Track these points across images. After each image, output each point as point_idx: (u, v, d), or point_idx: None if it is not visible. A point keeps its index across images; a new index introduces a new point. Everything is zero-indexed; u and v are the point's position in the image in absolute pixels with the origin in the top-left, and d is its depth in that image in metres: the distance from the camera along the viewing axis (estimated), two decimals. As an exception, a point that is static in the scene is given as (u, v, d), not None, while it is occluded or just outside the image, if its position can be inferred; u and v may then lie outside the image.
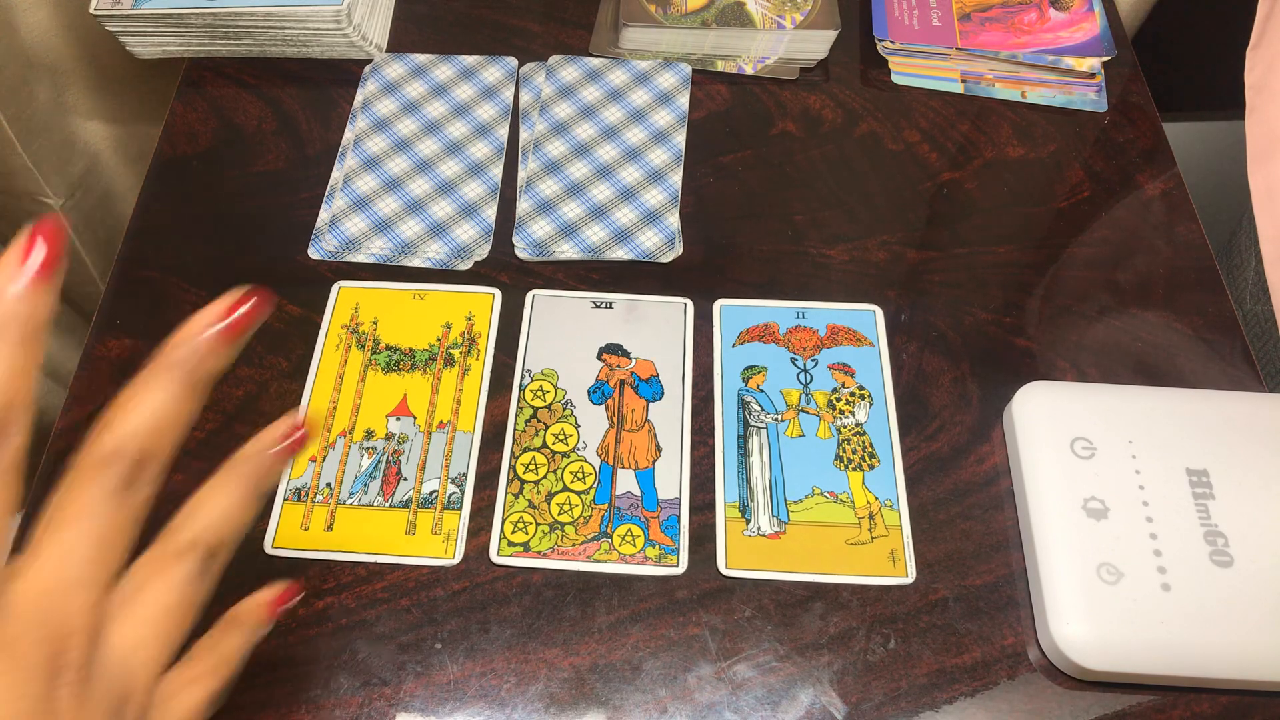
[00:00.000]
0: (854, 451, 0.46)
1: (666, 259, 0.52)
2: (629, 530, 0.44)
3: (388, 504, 0.44)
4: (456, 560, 0.43)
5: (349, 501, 0.44)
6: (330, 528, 0.44)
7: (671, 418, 0.47)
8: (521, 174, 0.55)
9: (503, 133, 0.57)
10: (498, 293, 0.51)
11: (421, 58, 0.60)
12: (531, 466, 0.45)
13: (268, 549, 0.43)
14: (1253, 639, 0.39)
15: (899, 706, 0.40)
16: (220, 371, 0.26)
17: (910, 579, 0.43)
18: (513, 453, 0.46)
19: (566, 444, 0.46)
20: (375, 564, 0.43)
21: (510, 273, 0.52)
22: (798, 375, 0.48)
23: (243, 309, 0.26)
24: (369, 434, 0.46)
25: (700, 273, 0.52)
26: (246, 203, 0.54)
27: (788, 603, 0.42)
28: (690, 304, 0.51)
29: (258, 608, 0.30)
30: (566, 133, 0.57)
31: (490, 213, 0.54)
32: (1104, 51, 0.60)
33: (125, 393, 0.25)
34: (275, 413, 0.46)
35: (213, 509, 0.27)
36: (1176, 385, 0.48)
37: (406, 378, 0.48)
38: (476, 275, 0.52)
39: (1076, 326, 0.50)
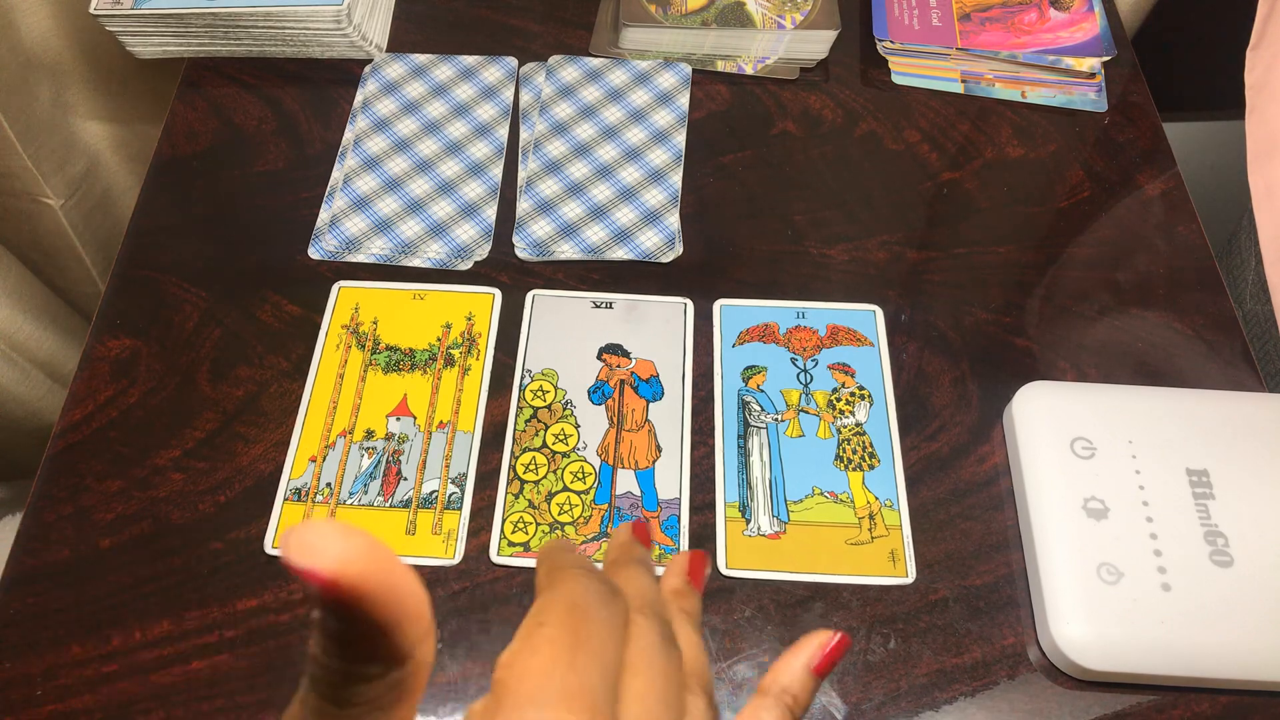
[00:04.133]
0: (854, 451, 0.46)
1: (666, 259, 0.52)
2: (629, 530, 0.44)
3: (388, 504, 0.44)
4: (457, 560, 0.43)
5: (349, 501, 0.44)
6: (330, 528, 0.43)
7: (671, 418, 0.47)
8: (521, 174, 0.55)
9: (503, 133, 0.57)
10: (498, 293, 0.51)
11: (421, 58, 0.60)
12: (531, 466, 0.45)
13: (268, 549, 0.43)
14: (1253, 639, 0.39)
15: (899, 706, 0.40)
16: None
17: (910, 579, 0.43)
18: (513, 453, 0.46)
19: (566, 444, 0.46)
20: (375, 564, 0.43)
21: (510, 273, 0.52)
22: (798, 375, 0.48)
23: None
24: (369, 434, 0.46)
25: (700, 273, 0.52)
26: (246, 203, 0.54)
27: (788, 603, 0.42)
28: (690, 304, 0.51)
29: (808, 675, 0.25)
30: (566, 133, 0.57)
31: (490, 213, 0.54)
32: (1104, 51, 0.60)
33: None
34: (275, 412, 0.46)
35: None
36: (1176, 385, 0.48)
37: (406, 378, 0.48)
38: (476, 275, 0.52)
39: (1076, 326, 0.50)
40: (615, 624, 0.20)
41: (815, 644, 0.25)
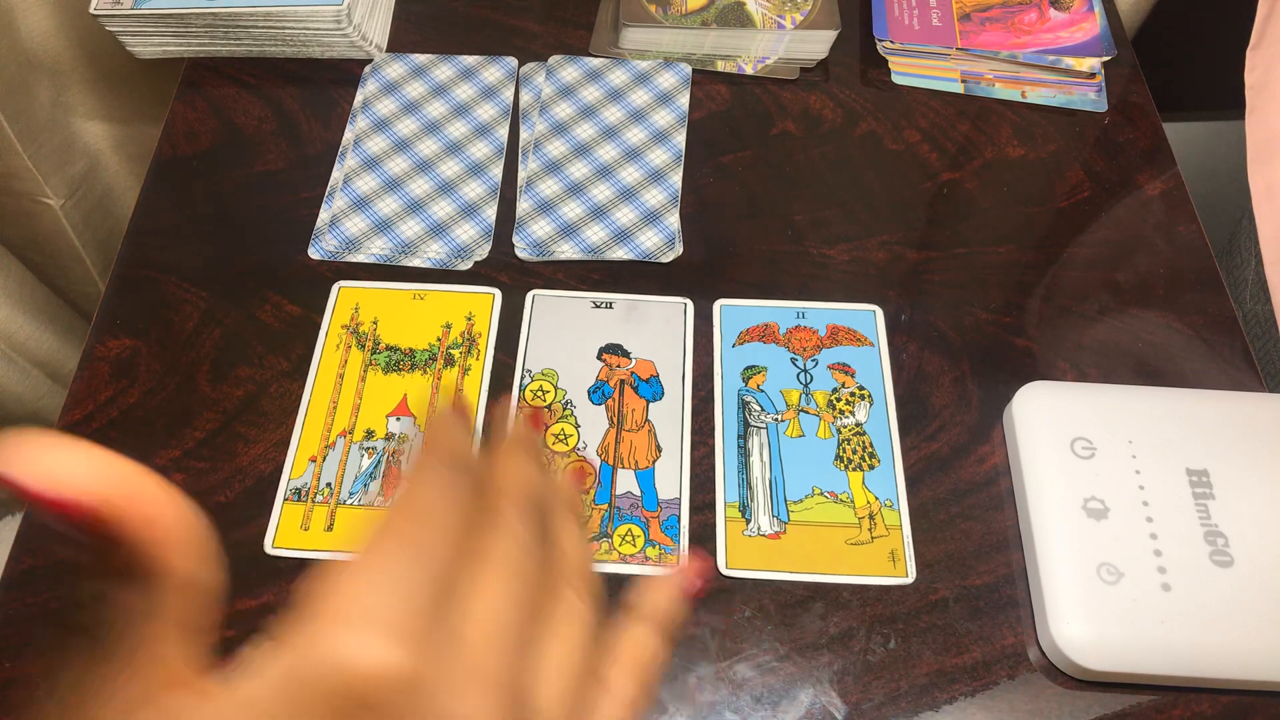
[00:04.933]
0: (854, 451, 0.46)
1: (666, 259, 0.52)
2: (629, 530, 0.44)
3: (388, 504, 0.44)
4: (456, 560, 0.43)
5: (349, 502, 0.44)
6: (330, 528, 0.44)
7: (671, 418, 0.47)
8: (521, 174, 0.55)
9: (503, 133, 0.57)
10: (498, 293, 0.51)
11: (421, 58, 0.60)
12: (531, 466, 0.45)
13: (268, 549, 0.43)
14: (1253, 639, 0.39)
15: (899, 706, 0.40)
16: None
17: (910, 579, 0.43)
18: (513, 453, 0.46)
19: (566, 444, 0.46)
20: (375, 564, 0.43)
21: (510, 273, 0.52)
22: (798, 375, 0.48)
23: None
24: (369, 434, 0.46)
25: (700, 273, 0.52)
26: (246, 203, 0.54)
27: (788, 603, 0.42)
28: (690, 304, 0.51)
29: (669, 601, 0.25)
30: (566, 133, 0.57)
31: (490, 213, 0.54)
32: (1104, 51, 0.60)
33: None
34: (275, 412, 0.46)
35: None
36: (1176, 385, 0.48)
37: (406, 378, 0.48)
38: (476, 275, 0.52)
39: (1076, 326, 0.50)
40: (463, 524, 0.19)
41: (682, 571, 0.27)
